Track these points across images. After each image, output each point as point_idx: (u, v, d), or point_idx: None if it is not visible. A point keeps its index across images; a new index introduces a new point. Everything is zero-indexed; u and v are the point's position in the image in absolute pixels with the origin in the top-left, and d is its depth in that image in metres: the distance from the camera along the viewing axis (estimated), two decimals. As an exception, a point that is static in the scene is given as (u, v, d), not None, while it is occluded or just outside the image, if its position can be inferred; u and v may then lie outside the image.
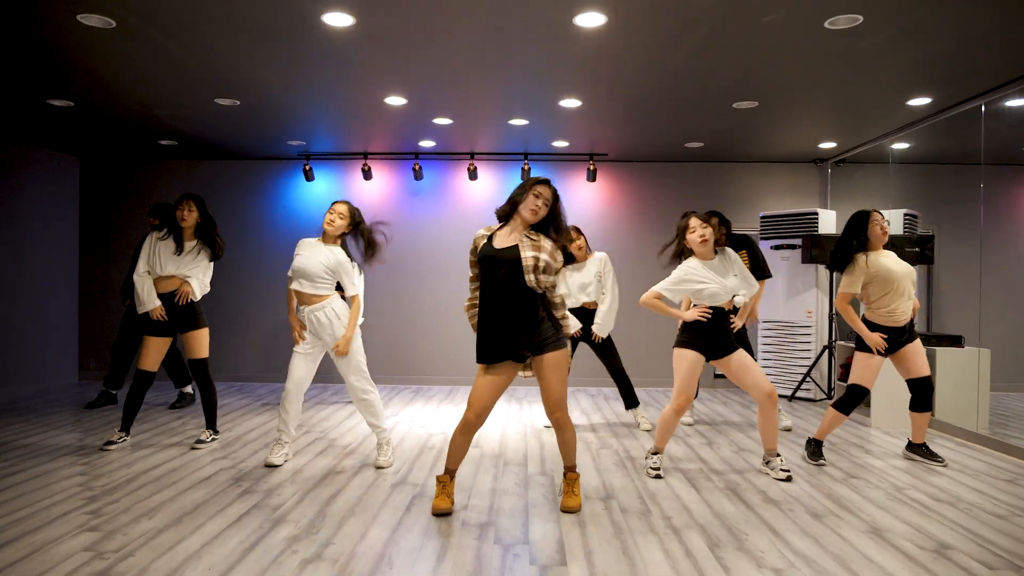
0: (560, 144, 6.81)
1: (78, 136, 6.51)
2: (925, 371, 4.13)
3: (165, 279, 4.44)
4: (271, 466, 4.04)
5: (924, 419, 4.21)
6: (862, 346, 4.17)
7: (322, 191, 7.54)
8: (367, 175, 7.25)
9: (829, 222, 6.78)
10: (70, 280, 7.52)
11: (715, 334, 3.79)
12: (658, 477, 3.85)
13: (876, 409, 5.42)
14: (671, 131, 6.16)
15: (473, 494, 3.60)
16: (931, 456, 4.24)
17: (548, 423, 5.25)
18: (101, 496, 3.47)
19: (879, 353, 4.11)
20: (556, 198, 3.23)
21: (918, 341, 4.17)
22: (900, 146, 6.60)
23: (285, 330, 7.43)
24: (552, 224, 3.24)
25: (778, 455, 3.93)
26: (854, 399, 4.16)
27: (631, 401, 5.28)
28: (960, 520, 3.23)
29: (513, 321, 3.13)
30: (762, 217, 7.05)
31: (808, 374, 6.51)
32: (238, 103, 5.30)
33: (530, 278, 3.11)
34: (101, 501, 3.40)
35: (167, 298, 4.44)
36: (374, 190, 7.55)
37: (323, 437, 4.86)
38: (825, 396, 6.61)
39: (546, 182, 3.21)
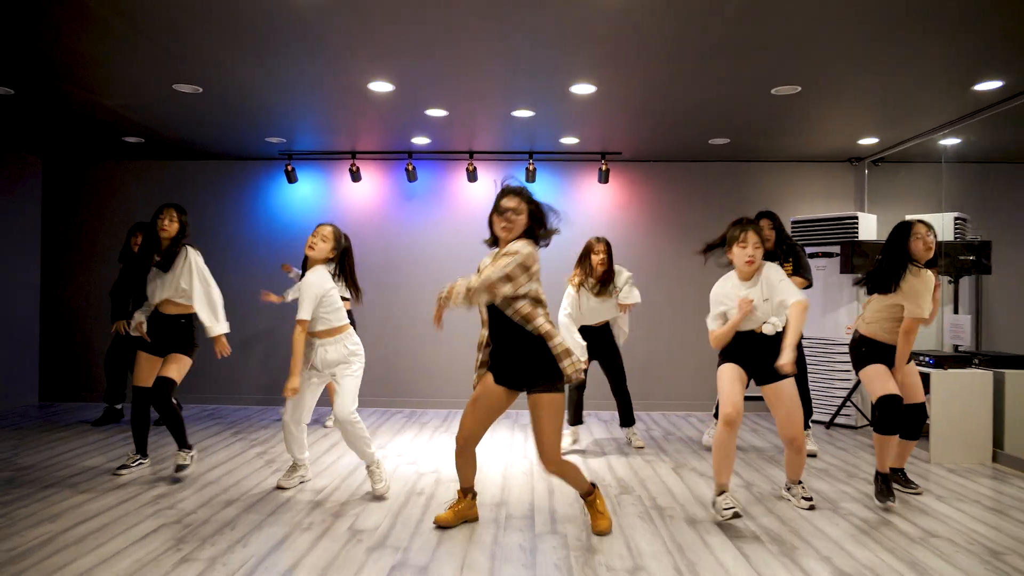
0: (569, 141, 6.10)
1: (35, 133, 5.83)
2: (920, 397, 3.84)
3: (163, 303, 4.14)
4: (281, 488, 3.90)
5: (910, 447, 3.93)
6: (860, 362, 3.79)
7: (306, 194, 6.85)
8: (355, 176, 6.57)
9: (870, 227, 6.07)
10: (31, 289, 6.83)
11: (749, 355, 3.46)
12: (736, 516, 3.27)
13: (936, 441, 4.70)
14: (696, 124, 5.45)
15: (466, 565, 2.89)
16: (907, 483, 3.94)
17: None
18: (-2, 569, 2.77)
19: (876, 361, 3.74)
20: (527, 200, 3.01)
21: (913, 364, 3.86)
22: (950, 142, 5.89)
23: (262, 348, 6.72)
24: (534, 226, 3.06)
25: (800, 483, 3.70)
26: (889, 412, 3.63)
27: (628, 420, 5.05)
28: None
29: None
30: (794, 222, 6.33)
31: (848, 398, 5.78)
32: (200, 90, 4.61)
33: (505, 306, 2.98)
34: (-5, 577, 2.69)
35: (164, 320, 4.14)
36: (363, 193, 6.85)
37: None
38: (867, 423, 5.87)
39: (505, 192, 3.03)
